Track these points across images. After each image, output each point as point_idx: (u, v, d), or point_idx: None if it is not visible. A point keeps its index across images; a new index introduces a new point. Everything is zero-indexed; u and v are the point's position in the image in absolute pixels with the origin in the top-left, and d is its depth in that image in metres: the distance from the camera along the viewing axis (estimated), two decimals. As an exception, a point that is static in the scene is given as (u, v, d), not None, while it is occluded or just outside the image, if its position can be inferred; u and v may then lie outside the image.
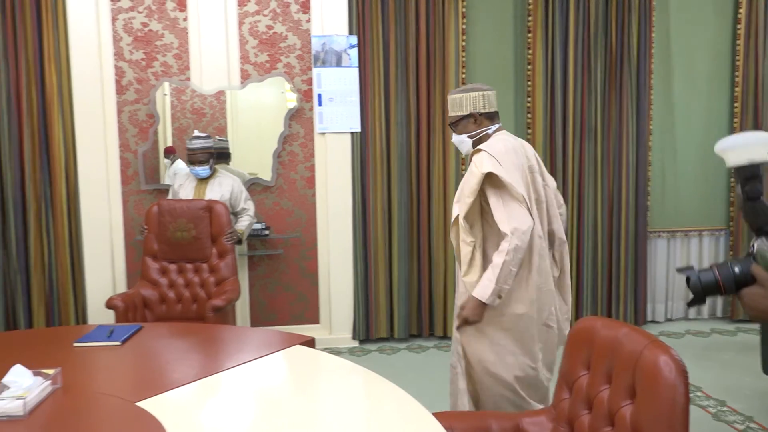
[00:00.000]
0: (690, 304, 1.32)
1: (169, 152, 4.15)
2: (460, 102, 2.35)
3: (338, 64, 4.16)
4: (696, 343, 4.28)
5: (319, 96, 4.18)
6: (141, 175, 4.10)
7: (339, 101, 4.18)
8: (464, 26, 4.24)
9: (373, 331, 4.36)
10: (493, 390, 2.25)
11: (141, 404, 1.68)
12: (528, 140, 4.40)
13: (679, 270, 1.36)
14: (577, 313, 4.51)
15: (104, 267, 4.09)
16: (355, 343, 4.32)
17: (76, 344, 2.24)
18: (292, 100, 4.22)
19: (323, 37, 4.14)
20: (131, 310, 3.38)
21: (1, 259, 3.99)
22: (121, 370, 2.08)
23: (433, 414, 1.61)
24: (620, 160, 4.47)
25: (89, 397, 1.78)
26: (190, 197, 3.76)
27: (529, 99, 4.39)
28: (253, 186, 4.22)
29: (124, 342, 2.26)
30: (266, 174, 4.24)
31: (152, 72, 4.08)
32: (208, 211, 3.60)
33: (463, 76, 4.27)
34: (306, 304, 4.37)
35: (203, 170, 3.74)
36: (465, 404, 2.31)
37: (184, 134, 4.11)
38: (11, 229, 3.99)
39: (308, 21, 4.18)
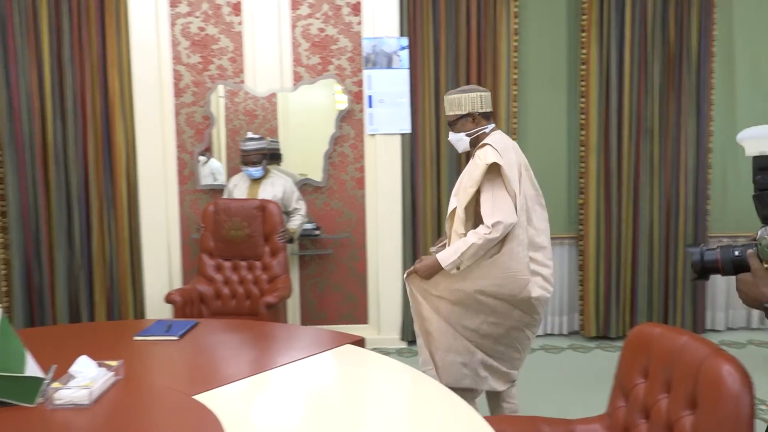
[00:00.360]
0: (693, 279, 1.39)
1: (205, 150, 4.24)
2: (459, 102, 2.45)
3: (389, 65, 4.18)
4: (759, 353, 4.10)
5: (370, 98, 4.21)
6: (197, 175, 4.22)
7: (389, 103, 4.20)
8: (516, 26, 4.19)
9: (421, 332, 4.35)
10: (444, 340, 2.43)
11: (197, 397, 1.73)
12: (581, 141, 4.32)
13: (688, 247, 1.44)
14: (632, 319, 4.39)
15: (161, 264, 4.22)
16: (404, 344, 4.32)
17: (136, 338, 2.32)
18: (342, 102, 4.26)
19: (374, 39, 4.16)
20: (188, 304, 3.48)
21: (67, 255, 4.17)
22: (178, 364, 2.14)
23: (485, 417, 1.60)
24: (678, 162, 4.33)
25: (149, 388, 1.85)
26: (244, 197, 3.84)
27: (582, 99, 4.30)
28: (304, 186, 4.28)
29: (181, 337, 2.33)
30: (317, 175, 4.30)
31: (208, 75, 4.19)
32: (261, 211, 3.68)
33: (515, 76, 4.22)
34: (354, 304, 4.40)
35: (256, 171, 3.82)
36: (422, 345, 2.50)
37: (237, 135, 4.21)
38: (76, 227, 4.16)
39: (359, 23, 4.21)
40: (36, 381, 1.36)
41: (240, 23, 4.17)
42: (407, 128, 4.21)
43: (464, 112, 2.45)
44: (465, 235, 2.33)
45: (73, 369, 1.76)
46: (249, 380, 1.90)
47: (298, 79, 4.23)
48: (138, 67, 4.09)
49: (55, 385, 1.69)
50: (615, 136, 4.29)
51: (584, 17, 4.26)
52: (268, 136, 4.20)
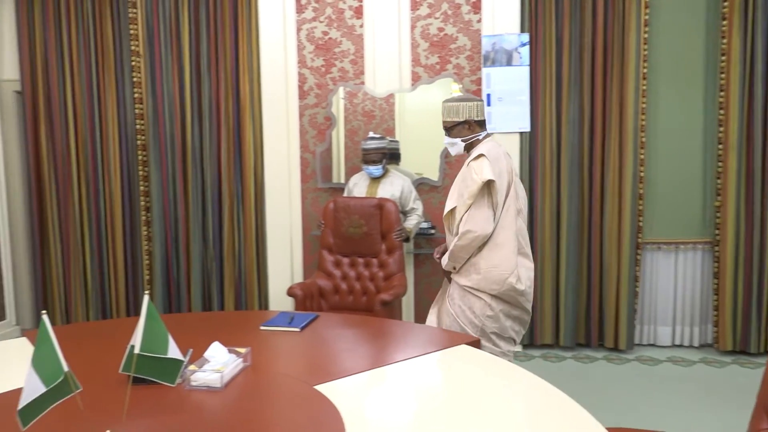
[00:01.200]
0: None
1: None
2: (457, 109, 2.67)
3: (508, 63, 4.09)
4: None
5: (488, 96, 4.15)
6: (318, 173, 4.38)
7: (508, 101, 4.11)
8: (647, 17, 3.95)
9: (537, 336, 4.23)
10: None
11: (318, 387, 1.80)
12: (719, 139, 4.00)
13: None
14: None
15: (284, 258, 4.43)
16: (518, 348, 4.22)
17: (262, 327, 2.45)
18: (460, 101, 4.23)
19: (494, 37, 4.10)
20: (308, 298, 3.63)
21: (201, 248, 4.50)
22: (300, 355, 2.24)
23: (608, 429, 1.53)
24: (836, 161, 3.87)
25: (274, 376, 1.94)
26: (364, 195, 3.94)
27: (722, 93, 3.97)
28: (421, 185, 4.31)
29: (302, 329, 2.43)
30: (433, 174, 4.31)
31: (330, 77, 4.33)
32: (379, 209, 3.75)
33: (645, 70, 3.98)
34: (469, 304, 4.36)
35: (376, 169, 3.90)
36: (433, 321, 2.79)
37: (355, 135, 4.32)
38: (209, 223, 4.48)
39: (479, 21, 4.16)
40: (177, 363, 1.48)
41: (361, 26, 4.28)
42: (526, 127, 4.11)
43: (461, 119, 2.66)
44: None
45: (207, 354, 1.89)
46: (366, 374, 1.94)
47: (416, 79, 4.27)
48: (266, 73, 4.32)
49: (192, 367, 1.83)
50: (760, 133, 3.91)
51: (725, 4, 3.92)
52: (387, 136, 4.27)
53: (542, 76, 4.09)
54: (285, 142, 4.38)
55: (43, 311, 1.38)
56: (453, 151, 2.75)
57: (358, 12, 4.28)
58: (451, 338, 2.30)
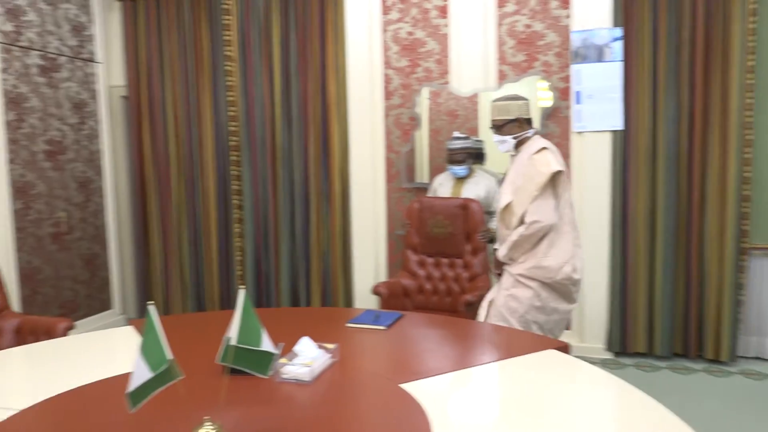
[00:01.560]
0: None
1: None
2: (507, 108, 2.77)
3: (599, 59, 3.95)
4: None
5: (578, 93, 4.02)
6: (402, 173, 4.40)
7: (599, 98, 3.97)
8: (754, 5, 3.69)
9: (629, 344, 4.06)
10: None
11: (403, 386, 1.81)
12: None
13: None
14: None
15: (369, 257, 4.49)
16: (609, 355, 4.06)
17: (348, 324, 2.49)
18: (546, 99, 4.13)
19: (584, 32, 3.96)
20: (393, 297, 3.66)
21: (289, 246, 4.65)
22: (385, 353, 2.26)
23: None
24: None
25: (360, 373, 1.98)
26: (449, 195, 3.92)
27: (841, 86, 3.64)
28: (506, 186, 4.23)
29: (388, 327, 2.45)
30: (519, 174, 4.22)
31: (415, 77, 4.35)
32: (464, 209, 3.72)
33: (750, 63, 3.71)
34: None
35: (461, 169, 3.88)
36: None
37: (439, 135, 4.30)
38: (297, 221, 4.62)
39: (568, 17, 4.04)
40: (270, 355, 1.53)
41: (446, 25, 4.26)
42: (619, 125, 3.94)
43: (512, 117, 2.76)
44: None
45: (297, 348, 1.95)
46: (452, 375, 1.94)
47: (502, 78, 4.20)
48: (353, 74, 4.39)
49: (283, 360, 1.89)
50: None
51: None
52: (472, 136, 4.24)
53: (637, 71, 3.91)
54: (370, 142, 4.43)
55: (150, 302, 1.47)
56: (503, 149, 2.85)
57: (443, 11, 4.26)
58: (540, 342, 2.25)
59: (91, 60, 4.73)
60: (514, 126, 2.78)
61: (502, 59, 4.20)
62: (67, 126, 4.52)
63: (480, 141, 4.23)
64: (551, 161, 2.62)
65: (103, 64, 4.83)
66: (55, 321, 2.90)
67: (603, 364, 3.88)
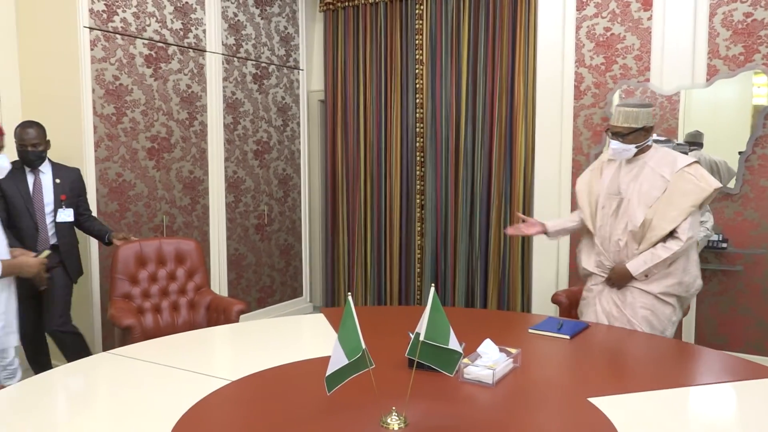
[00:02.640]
0: None
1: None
2: (637, 116, 2.62)
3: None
4: None
5: (808, 89, 3.49)
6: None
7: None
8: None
9: None
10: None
11: (591, 401, 1.72)
12: None
13: None
14: None
15: (550, 262, 4.34)
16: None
17: (530, 330, 2.43)
18: (761, 96, 3.65)
19: (820, 18, 3.43)
20: (574, 306, 3.48)
21: (467, 246, 4.66)
22: (570, 363, 2.17)
23: None
24: None
25: (543, 382, 1.92)
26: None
27: None
28: (712, 193, 3.82)
29: (572, 337, 2.35)
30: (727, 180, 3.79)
31: (610, 75, 4.10)
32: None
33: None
34: (766, 333, 3.74)
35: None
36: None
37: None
38: (477, 221, 4.62)
39: (800, 1, 3.53)
40: (456, 354, 1.55)
41: (649, 18, 3.96)
42: None
43: (640, 126, 2.62)
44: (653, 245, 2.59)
45: (480, 349, 1.95)
46: (647, 394, 1.80)
47: (712, 74, 3.79)
48: (542, 73, 4.27)
49: (465, 360, 1.90)
50: None
51: None
52: (672, 139, 3.89)
53: None
54: (557, 143, 4.28)
55: (349, 292, 1.56)
56: (622, 156, 2.69)
57: (647, 3, 3.96)
58: (754, 370, 2.00)
59: (296, 67, 5.17)
60: (640, 135, 2.65)
61: (713, 53, 3.79)
62: (273, 128, 4.99)
63: (683, 145, 3.87)
64: (709, 177, 2.58)
65: (304, 70, 5.25)
66: (233, 303, 3.21)
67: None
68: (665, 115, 3.94)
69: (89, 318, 3.75)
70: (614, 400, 1.74)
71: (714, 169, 3.79)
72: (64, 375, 2.04)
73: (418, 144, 4.83)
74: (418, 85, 4.75)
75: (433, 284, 1.59)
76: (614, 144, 2.66)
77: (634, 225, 2.61)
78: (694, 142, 3.85)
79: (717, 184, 2.55)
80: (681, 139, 3.90)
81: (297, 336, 2.56)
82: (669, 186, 2.57)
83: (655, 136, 3.18)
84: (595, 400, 1.72)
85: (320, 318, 2.66)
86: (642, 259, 2.60)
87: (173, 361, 2.11)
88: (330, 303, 5.41)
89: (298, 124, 5.24)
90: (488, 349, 1.95)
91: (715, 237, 3.74)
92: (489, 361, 1.90)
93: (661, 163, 2.62)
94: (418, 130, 4.81)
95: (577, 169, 4.26)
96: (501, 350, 1.98)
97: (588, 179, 2.87)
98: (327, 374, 1.46)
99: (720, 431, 1.60)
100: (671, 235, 2.56)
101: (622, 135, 2.64)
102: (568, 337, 2.34)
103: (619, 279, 2.67)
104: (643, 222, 2.59)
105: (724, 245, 3.75)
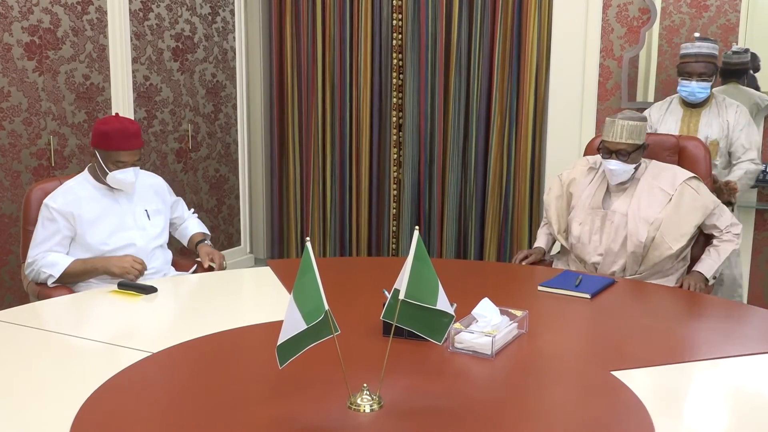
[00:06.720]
0: None
1: None
2: (640, 130, 2.79)
3: None
4: None
5: None
6: (623, 89, 4.21)
7: None
8: None
9: None
10: None
11: (616, 374, 1.79)
12: None
13: None
14: None
15: (566, 201, 4.42)
16: None
17: (540, 288, 2.50)
18: None
19: None
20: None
21: (459, 178, 4.70)
22: (590, 329, 2.26)
23: None
24: None
25: (555, 351, 1.99)
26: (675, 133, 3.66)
27: None
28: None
29: (593, 296, 2.43)
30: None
31: None
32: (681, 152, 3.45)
33: None
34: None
35: (698, 89, 3.49)
36: None
37: (675, 36, 4.05)
38: (472, 146, 4.66)
39: None
40: (445, 317, 1.58)
41: None
42: None
43: (641, 143, 2.81)
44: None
45: (476, 311, 2.00)
46: (682, 366, 1.89)
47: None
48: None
49: (457, 326, 1.96)
50: None
51: None
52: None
53: None
54: (581, 42, 4.27)
55: (307, 237, 1.58)
56: (618, 179, 2.86)
57: None
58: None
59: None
60: (639, 153, 2.84)
61: None
62: (198, 17, 4.84)
63: (740, 53, 3.90)
64: (710, 194, 2.89)
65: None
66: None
67: None
68: (722, 7, 3.96)
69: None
70: (644, 373, 1.83)
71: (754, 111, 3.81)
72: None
73: (394, 42, 4.78)
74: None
75: (417, 228, 1.61)
76: (613, 164, 2.81)
77: (636, 245, 2.79)
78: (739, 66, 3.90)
79: (718, 201, 2.88)
80: (741, 43, 3.94)
81: (236, 296, 2.60)
82: (673, 200, 2.79)
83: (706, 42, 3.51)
84: (620, 374, 1.79)
85: (266, 272, 2.69)
86: (713, 260, 2.83)
87: (68, 328, 2.12)
88: (277, 254, 5.44)
89: (232, 12, 5.12)
90: (486, 311, 2.00)
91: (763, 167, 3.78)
92: (487, 327, 1.96)
93: (658, 176, 2.85)
94: (394, 23, 4.75)
95: (605, 79, 4.28)
96: (502, 312, 2.03)
97: (558, 193, 3.09)
98: (278, 343, 1.49)
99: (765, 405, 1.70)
100: (712, 234, 2.87)
101: (623, 153, 2.78)
102: (588, 296, 2.42)
103: (701, 285, 2.83)
104: (645, 240, 2.79)
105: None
